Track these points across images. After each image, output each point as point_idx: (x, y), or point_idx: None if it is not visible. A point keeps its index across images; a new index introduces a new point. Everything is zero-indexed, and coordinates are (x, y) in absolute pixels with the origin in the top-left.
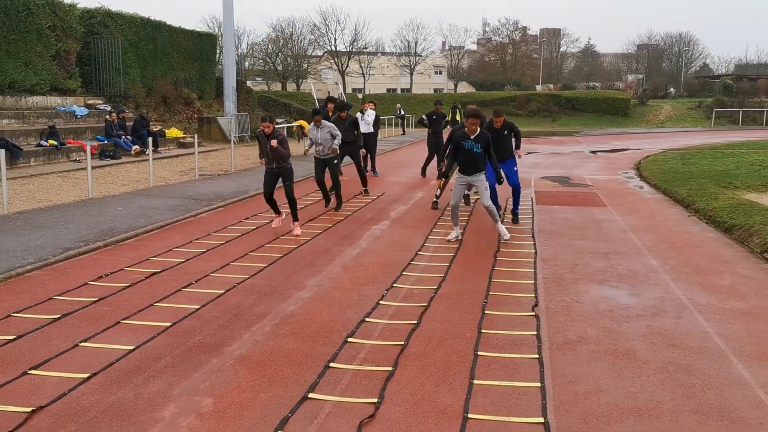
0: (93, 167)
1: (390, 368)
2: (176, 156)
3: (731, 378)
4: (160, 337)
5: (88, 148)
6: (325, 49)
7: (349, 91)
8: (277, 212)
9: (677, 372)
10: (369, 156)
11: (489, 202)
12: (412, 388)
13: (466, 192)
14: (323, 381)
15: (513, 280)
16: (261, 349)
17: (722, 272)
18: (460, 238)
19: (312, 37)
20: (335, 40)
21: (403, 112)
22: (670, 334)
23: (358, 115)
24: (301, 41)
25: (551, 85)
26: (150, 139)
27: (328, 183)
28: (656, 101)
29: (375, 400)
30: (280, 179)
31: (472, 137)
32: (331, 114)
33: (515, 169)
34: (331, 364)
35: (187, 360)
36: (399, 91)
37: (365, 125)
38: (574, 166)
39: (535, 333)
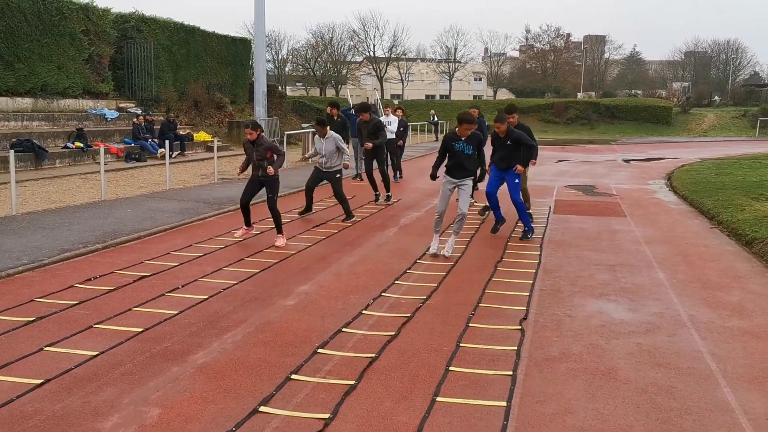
0: (117, 170)
1: (353, 382)
2: (202, 159)
3: (714, 403)
4: (127, 343)
5: (102, 150)
6: (364, 55)
7: (387, 97)
8: (248, 224)
9: (657, 394)
10: (392, 162)
11: (465, 211)
12: (370, 404)
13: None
14: (280, 393)
15: (508, 291)
16: (226, 357)
17: (732, 288)
18: (444, 253)
19: (351, 43)
20: (374, 46)
21: (437, 119)
22: (660, 353)
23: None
24: (340, 47)
25: (593, 93)
26: (167, 142)
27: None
28: (699, 109)
29: (327, 415)
30: (264, 189)
31: (463, 138)
32: (337, 118)
33: (516, 182)
34: (293, 376)
35: (147, 368)
36: (438, 98)
37: (389, 130)
38: (603, 175)
39: (515, 348)
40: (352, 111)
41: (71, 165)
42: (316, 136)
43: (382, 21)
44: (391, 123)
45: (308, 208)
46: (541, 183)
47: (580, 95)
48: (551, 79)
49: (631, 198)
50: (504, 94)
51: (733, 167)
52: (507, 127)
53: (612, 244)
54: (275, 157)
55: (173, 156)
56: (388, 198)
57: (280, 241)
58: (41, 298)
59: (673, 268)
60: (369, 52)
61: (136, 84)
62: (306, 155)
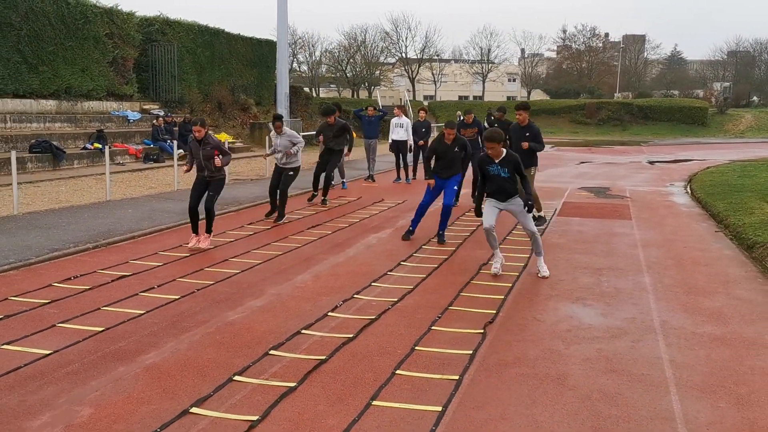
0: (134, 170)
1: (294, 384)
2: None
3: (657, 411)
4: (83, 343)
5: (107, 152)
6: (397, 57)
7: (420, 98)
8: (195, 231)
9: (600, 401)
10: (403, 163)
11: (533, 228)
12: (304, 406)
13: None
14: (217, 395)
15: (483, 294)
16: (176, 358)
17: (717, 293)
18: (500, 271)
19: (383, 44)
20: (405, 47)
21: (463, 119)
22: (618, 359)
23: (393, 121)
24: (373, 49)
25: (629, 94)
26: (175, 143)
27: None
28: (737, 110)
29: (255, 417)
30: (208, 188)
31: (497, 161)
32: (371, 116)
33: (455, 188)
34: (236, 377)
35: (94, 367)
36: (471, 99)
37: (402, 131)
38: (622, 177)
39: (470, 352)
40: (363, 111)
41: (89, 166)
42: (272, 132)
43: (414, 22)
44: (403, 125)
45: (273, 210)
46: (556, 185)
47: (616, 95)
48: (586, 79)
49: (644, 200)
50: (538, 95)
51: (759, 169)
52: (456, 135)
53: (607, 248)
54: (221, 156)
55: None
56: (324, 202)
57: (205, 242)
58: (16, 296)
59: (661, 273)
60: (401, 53)
61: (160, 86)
62: (265, 153)
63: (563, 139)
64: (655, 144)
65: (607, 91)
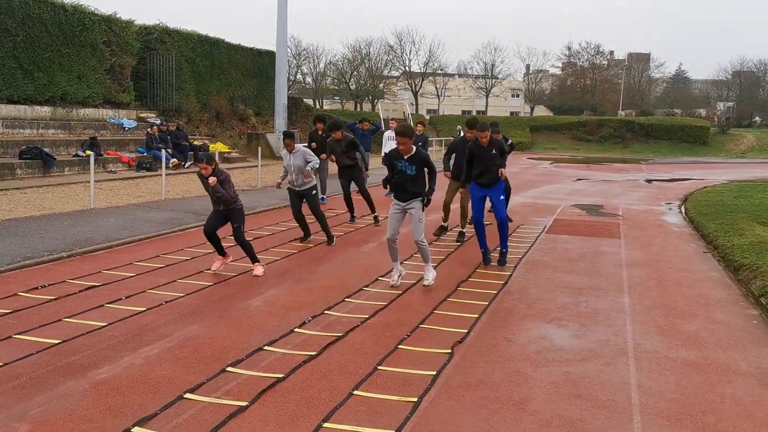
0: (125, 178)
1: (245, 403)
2: None
3: None
4: (36, 355)
5: (92, 159)
6: (400, 70)
7: (422, 112)
8: (221, 252)
9: (560, 427)
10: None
11: (420, 237)
12: (252, 427)
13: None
14: (164, 413)
15: (457, 312)
16: (129, 373)
17: (696, 316)
18: (398, 283)
19: (387, 57)
20: (409, 61)
21: (463, 134)
22: (585, 383)
23: (387, 134)
24: (377, 62)
25: (633, 111)
26: (163, 153)
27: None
28: (739, 130)
29: None
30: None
31: (405, 157)
32: (365, 130)
33: (502, 197)
34: (186, 395)
35: (42, 382)
36: (474, 113)
37: (394, 144)
38: (617, 195)
39: (434, 373)
40: (357, 125)
41: (79, 173)
42: (284, 151)
43: (418, 36)
44: (393, 138)
45: (307, 232)
46: (549, 201)
47: (620, 113)
48: (590, 96)
49: (635, 219)
50: (541, 111)
51: (755, 190)
52: (491, 137)
53: (590, 267)
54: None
55: (186, 165)
56: (375, 219)
57: (258, 270)
58: None
59: (642, 294)
60: (405, 67)
61: (158, 95)
62: (277, 182)
63: (563, 156)
64: (654, 162)
65: (610, 109)
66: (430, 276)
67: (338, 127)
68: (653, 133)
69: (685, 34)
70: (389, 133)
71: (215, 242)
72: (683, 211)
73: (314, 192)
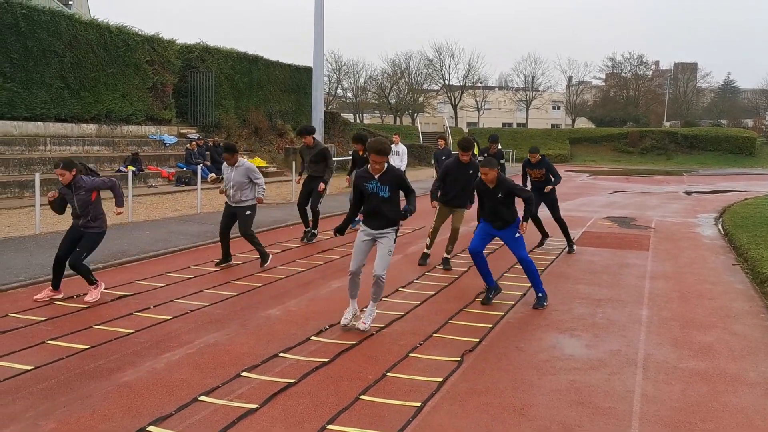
0: (164, 193)
1: (255, 406)
2: None
3: None
4: (66, 360)
5: (130, 175)
6: (440, 83)
7: (462, 125)
8: (227, 257)
9: None
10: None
11: (382, 272)
12: (260, 428)
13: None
14: (179, 414)
15: (472, 322)
16: (151, 377)
17: (714, 328)
18: (350, 324)
19: (427, 71)
20: (449, 74)
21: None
22: (589, 391)
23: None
24: (417, 76)
25: (678, 122)
26: (199, 167)
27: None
28: None
29: None
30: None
31: (376, 176)
32: (361, 153)
33: (516, 236)
34: (201, 397)
35: (68, 384)
36: (515, 126)
37: (396, 159)
38: (653, 207)
39: (441, 380)
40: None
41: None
42: (224, 165)
43: (457, 49)
44: (398, 153)
45: (227, 256)
46: (581, 214)
47: (665, 124)
48: (633, 107)
49: (667, 232)
50: (583, 123)
51: None
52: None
53: (613, 279)
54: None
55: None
56: (312, 236)
57: (92, 295)
58: (16, 313)
59: (661, 305)
60: (444, 80)
61: (198, 111)
62: (220, 189)
63: (603, 168)
64: (697, 173)
65: (654, 120)
66: (369, 320)
67: (362, 140)
68: (697, 144)
69: (734, 43)
70: (392, 148)
71: (58, 272)
72: (719, 223)
73: (248, 213)
